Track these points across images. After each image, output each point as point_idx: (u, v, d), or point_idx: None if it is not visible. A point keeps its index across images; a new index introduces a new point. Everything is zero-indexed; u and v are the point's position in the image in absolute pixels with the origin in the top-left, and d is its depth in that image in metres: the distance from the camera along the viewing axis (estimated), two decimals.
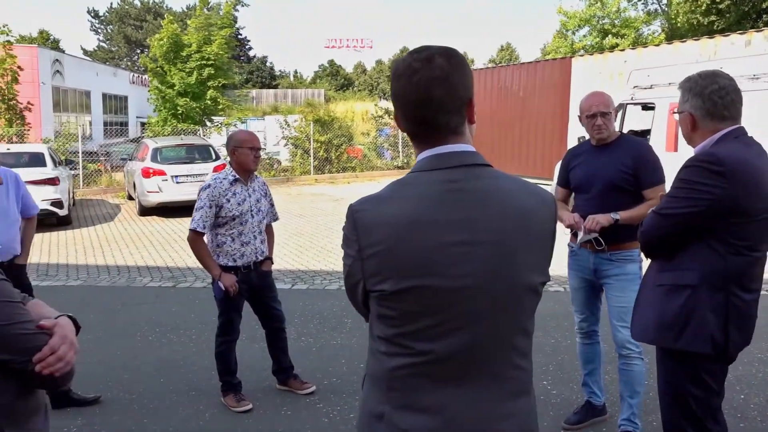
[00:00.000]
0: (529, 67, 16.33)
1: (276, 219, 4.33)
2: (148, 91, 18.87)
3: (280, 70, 59.26)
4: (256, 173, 4.16)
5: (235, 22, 49.67)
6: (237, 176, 3.97)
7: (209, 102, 18.25)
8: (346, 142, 19.64)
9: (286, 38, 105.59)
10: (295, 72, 60.93)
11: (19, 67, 16.31)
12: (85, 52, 47.21)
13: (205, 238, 4.02)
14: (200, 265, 4.19)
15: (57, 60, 28.15)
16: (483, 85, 17.55)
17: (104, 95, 33.00)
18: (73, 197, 13.74)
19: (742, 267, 2.25)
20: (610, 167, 3.36)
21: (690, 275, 2.28)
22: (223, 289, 3.92)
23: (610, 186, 3.34)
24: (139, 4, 45.72)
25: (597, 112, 3.38)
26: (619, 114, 9.63)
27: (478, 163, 1.44)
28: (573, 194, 3.67)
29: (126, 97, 35.65)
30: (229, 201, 3.91)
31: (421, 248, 1.37)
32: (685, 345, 2.28)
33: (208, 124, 18.78)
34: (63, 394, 4.15)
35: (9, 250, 3.91)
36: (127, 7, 45.89)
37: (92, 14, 48.01)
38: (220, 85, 18.43)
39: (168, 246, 9.75)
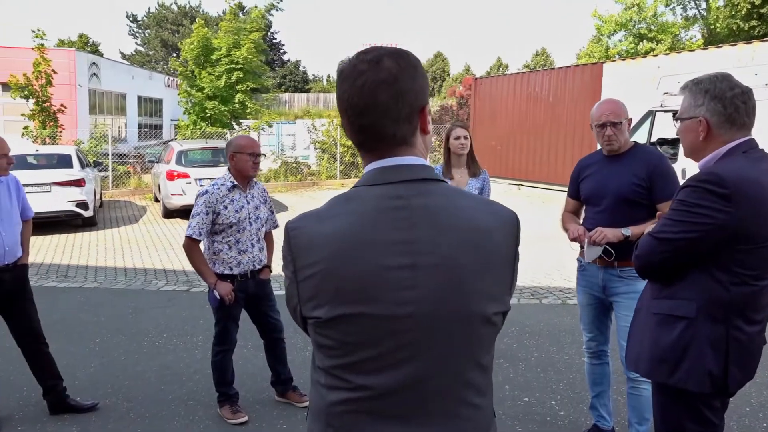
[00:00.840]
0: (559, 73, 16.00)
1: (276, 227, 4.22)
2: (178, 94, 19.06)
3: (313, 74, 59.67)
4: (255, 180, 4.05)
5: (270, 26, 50.71)
6: (235, 182, 3.87)
7: (237, 105, 18.36)
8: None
9: (321, 42, 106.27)
10: (329, 76, 61.20)
11: (53, 70, 16.60)
12: (124, 55, 48.17)
13: (202, 245, 3.93)
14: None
15: (94, 63, 28.71)
16: (512, 91, 17.29)
17: (139, 98, 33.55)
18: (101, 198, 13.92)
19: (746, 297, 2.02)
20: (622, 179, 3.16)
21: (687, 306, 2.06)
22: (219, 297, 3.82)
23: (621, 199, 3.14)
24: (176, 8, 46.49)
25: (607, 121, 3.18)
26: (648, 121, 9.31)
27: (428, 177, 1.30)
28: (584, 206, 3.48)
29: (161, 100, 36.21)
30: (226, 208, 3.82)
31: (359, 272, 1.23)
32: (680, 382, 2.06)
33: (237, 127, 18.88)
34: (60, 400, 4.11)
35: (15, 252, 3.95)
36: (164, 11, 46.72)
37: (131, 18, 49.07)
38: (248, 88, 18.52)
39: None
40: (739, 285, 2.00)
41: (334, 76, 64.09)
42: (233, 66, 17.92)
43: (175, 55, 37.60)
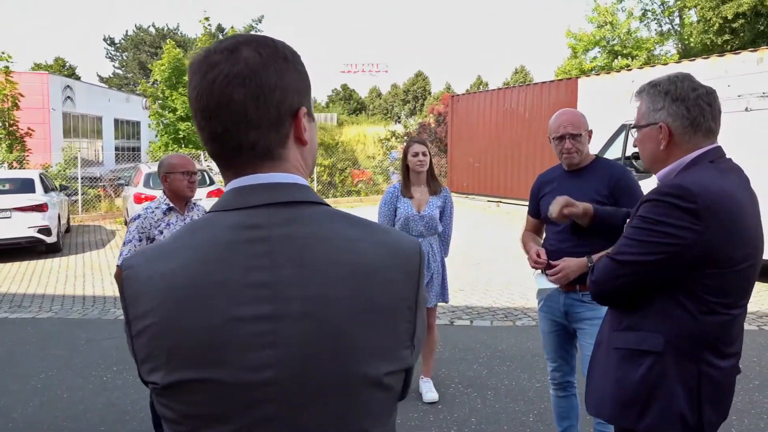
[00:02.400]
0: (534, 88, 15.92)
1: None
2: (149, 116, 18.74)
3: None
4: (195, 201, 3.77)
5: None
6: (171, 205, 3.58)
7: None
8: (350, 165, 19.32)
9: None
10: None
11: (20, 93, 16.24)
12: (101, 78, 47.70)
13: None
14: None
15: (68, 86, 28.30)
16: (489, 107, 17.19)
17: (116, 121, 33.14)
18: (68, 223, 13.51)
19: (718, 329, 1.75)
20: (583, 195, 2.90)
21: (653, 339, 1.77)
22: None
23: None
24: (153, 31, 46.21)
25: (565, 133, 2.95)
26: (622, 135, 9.16)
27: (300, 200, 1.02)
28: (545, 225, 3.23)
29: (138, 123, 35.76)
30: (162, 233, 3.51)
31: (201, 326, 0.94)
32: (650, 428, 1.77)
33: None
34: None
35: None
36: (142, 34, 46.42)
37: (108, 42, 48.61)
38: None
39: None
40: (708, 314, 1.73)
41: (315, 96, 64.08)
42: None
43: (144, 78, 37.45)
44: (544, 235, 3.23)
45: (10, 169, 15.30)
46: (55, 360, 5.56)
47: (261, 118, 1.00)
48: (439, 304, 4.80)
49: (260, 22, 47.88)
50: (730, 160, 1.86)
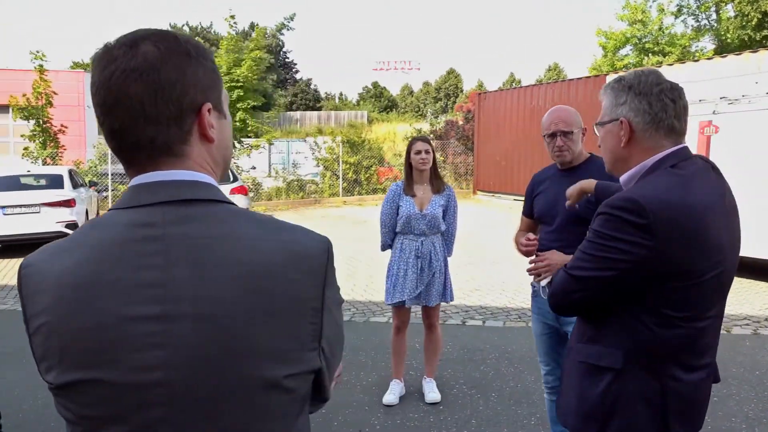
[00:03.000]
0: (562, 86, 15.68)
1: None
2: None
3: (326, 93, 59.79)
4: None
5: (282, 46, 51.00)
6: None
7: (239, 123, 18.25)
8: (376, 163, 19.31)
9: (333, 61, 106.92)
10: (341, 94, 61.40)
11: (53, 91, 16.61)
12: None
13: None
14: None
15: None
16: (516, 105, 16.99)
17: None
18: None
19: (681, 342, 1.66)
20: None
21: (612, 355, 1.69)
22: None
23: (574, 218, 2.81)
24: (188, 29, 46.89)
25: (557, 131, 2.88)
26: None
27: (197, 198, 1.00)
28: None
29: None
30: None
31: (92, 325, 0.93)
32: None
33: (238, 146, 18.76)
34: None
35: None
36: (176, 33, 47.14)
37: None
38: (249, 106, 18.42)
39: None
40: (669, 327, 1.64)
41: (346, 94, 64.52)
42: (234, 84, 17.84)
43: None
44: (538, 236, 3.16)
45: (44, 165, 15.70)
46: None
47: (159, 113, 0.98)
48: (450, 303, 4.77)
49: (292, 20, 48.53)
50: (696, 161, 1.74)
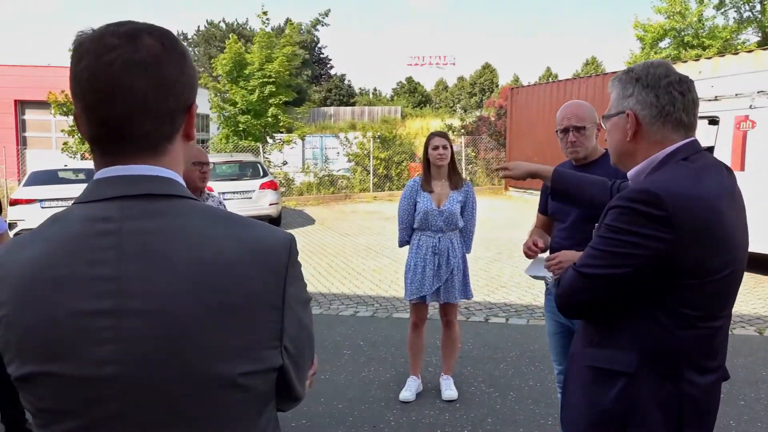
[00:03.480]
0: (596, 80, 15.39)
1: None
2: (210, 109, 19.29)
3: (360, 88, 59.90)
4: (210, 192, 3.82)
5: (318, 41, 51.22)
6: None
7: (270, 119, 18.40)
8: (407, 159, 19.25)
9: (368, 56, 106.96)
10: (375, 89, 61.40)
11: None
12: None
13: None
14: None
15: None
16: (549, 100, 16.74)
17: None
18: None
19: (698, 343, 1.60)
20: None
21: (625, 358, 1.62)
22: None
23: (587, 215, 2.74)
24: (224, 26, 47.45)
25: (569, 126, 2.82)
26: None
27: (158, 193, 0.99)
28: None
29: (207, 116, 36.87)
30: None
31: (46, 319, 0.93)
32: None
33: (270, 141, 18.94)
34: (21, 426, 3.94)
35: None
36: (212, 29, 47.79)
37: (182, 37, 50.28)
38: (281, 102, 18.56)
39: None
40: (686, 328, 1.58)
41: (380, 89, 64.53)
42: (266, 80, 17.99)
43: (202, 69, 38.60)
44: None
45: (82, 159, 16.09)
46: None
47: (159, 108, 0.98)
48: (471, 300, 4.73)
49: (327, 16, 48.60)
50: (706, 155, 1.69)
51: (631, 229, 1.54)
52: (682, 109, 1.66)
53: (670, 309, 1.57)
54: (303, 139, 19.48)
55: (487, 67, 57.77)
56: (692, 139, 1.70)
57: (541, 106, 16.87)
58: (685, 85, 1.68)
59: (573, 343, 1.89)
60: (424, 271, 4.31)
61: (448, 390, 4.39)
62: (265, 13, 18.62)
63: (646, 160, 1.69)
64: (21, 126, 27.04)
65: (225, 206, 3.98)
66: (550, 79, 50.89)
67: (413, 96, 55.01)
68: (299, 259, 1.05)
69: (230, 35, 19.58)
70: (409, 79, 56.41)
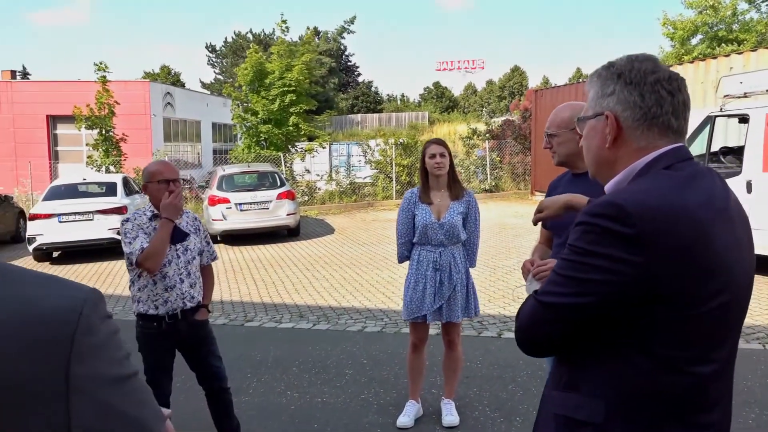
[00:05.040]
0: None
1: (214, 259, 3.76)
2: (231, 119, 19.29)
3: (388, 95, 59.80)
4: (184, 208, 3.62)
5: (345, 49, 51.28)
6: (155, 212, 3.45)
7: (291, 128, 18.32)
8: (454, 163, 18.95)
9: (395, 63, 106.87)
10: (402, 95, 61.24)
11: (116, 101, 17.14)
12: (203, 84, 50.02)
13: (129, 284, 3.54)
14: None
15: (168, 93, 29.80)
16: (571, 101, 16.29)
17: (214, 125, 34.54)
18: None
19: (683, 393, 1.31)
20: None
21: (591, 406, 1.34)
22: (139, 337, 3.41)
23: None
24: (251, 37, 47.85)
25: (545, 132, 2.59)
26: (707, 128, 8.24)
27: None
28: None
29: (233, 126, 37.21)
30: (148, 236, 3.38)
31: None
32: None
33: (291, 150, 18.86)
34: None
35: None
36: (240, 40, 48.20)
37: (210, 49, 50.95)
38: (302, 110, 18.46)
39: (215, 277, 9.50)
40: (667, 372, 1.29)
41: (408, 95, 64.41)
42: (286, 89, 17.92)
43: (213, 80, 38.87)
44: None
45: (107, 173, 16.22)
46: None
47: None
48: (488, 312, 4.44)
49: (352, 23, 48.63)
50: (695, 164, 1.40)
51: (595, 250, 1.27)
52: (671, 111, 1.39)
53: (646, 348, 1.29)
54: (323, 147, 19.33)
55: (516, 69, 57.14)
56: (678, 144, 1.42)
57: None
58: (675, 84, 1.40)
59: (545, 386, 1.61)
60: (425, 289, 4.04)
61: (449, 415, 4.10)
62: (284, 21, 18.58)
63: (625, 170, 1.41)
64: (53, 140, 27.62)
65: (200, 222, 3.76)
66: (580, 80, 50.03)
67: (441, 101, 54.70)
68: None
69: (251, 45, 19.58)
70: (437, 84, 56.12)
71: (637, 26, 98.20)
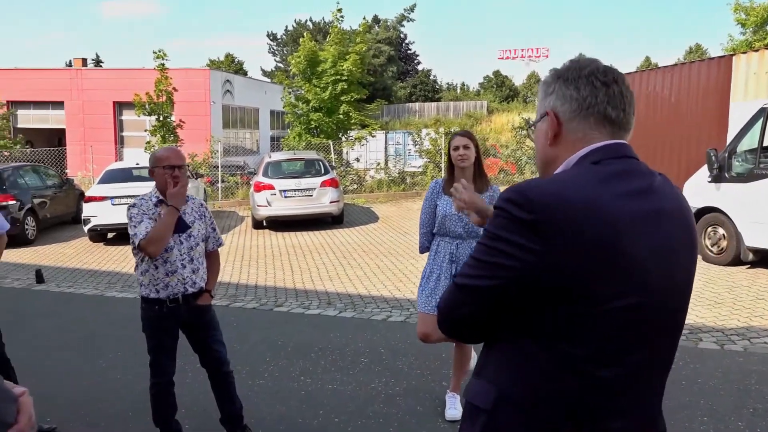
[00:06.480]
0: (682, 69, 14.23)
1: (220, 245, 3.82)
2: (283, 107, 19.56)
3: (447, 83, 59.30)
4: (190, 195, 3.69)
5: (405, 37, 51.09)
6: (161, 197, 3.54)
7: (342, 116, 18.43)
8: (482, 155, 18.71)
9: (455, 51, 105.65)
10: (462, 84, 60.59)
11: (174, 88, 17.65)
12: (264, 72, 51.00)
13: (134, 267, 3.64)
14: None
15: (228, 81, 30.52)
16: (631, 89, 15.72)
17: (272, 112, 35.16)
18: None
19: (586, 394, 1.26)
20: None
21: (486, 392, 1.34)
22: (144, 322, 3.53)
23: None
24: (311, 25, 48.33)
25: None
26: (759, 122, 7.79)
27: None
28: None
29: (286, 113, 37.72)
30: (153, 221, 3.48)
31: None
32: None
33: (342, 138, 18.97)
34: None
35: None
36: (300, 29, 48.75)
37: (271, 37, 51.81)
38: (353, 99, 18.53)
39: (253, 261, 9.72)
40: (569, 371, 1.25)
41: (468, 83, 63.62)
42: (338, 77, 18.02)
43: (274, 68, 39.17)
44: None
45: None
46: (128, 341, 5.84)
47: None
48: None
49: (412, 11, 48.40)
50: (631, 162, 1.36)
51: (501, 235, 1.27)
52: (607, 101, 1.37)
53: (543, 340, 1.27)
54: (373, 136, 19.35)
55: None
56: (617, 141, 1.38)
57: None
58: (611, 75, 1.39)
59: None
60: (438, 280, 3.99)
61: (452, 409, 4.05)
62: (339, 10, 18.66)
63: (561, 166, 1.39)
64: (119, 126, 28.78)
65: (207, 208, 3.83)
66: (650, 68, 48.11)
67: (501, 90, 53.78)
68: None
69: (304, 33, 19.78)
70: (497, 73, 55.19)
71: (707, 13, 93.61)
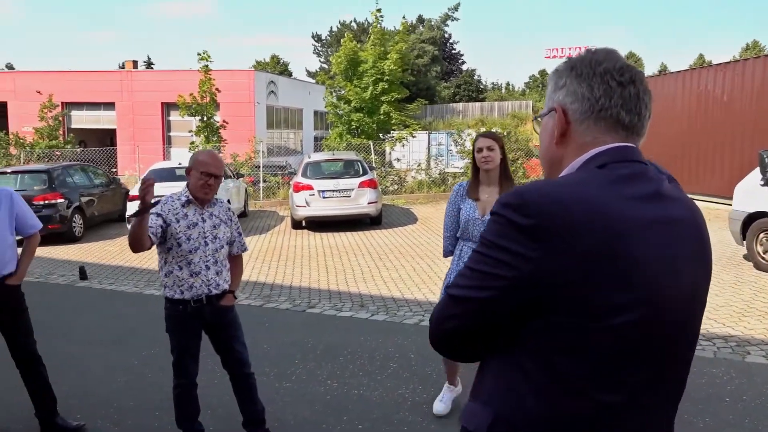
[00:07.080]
0: (735, 67, 13.69)
1: (244, 250, 3.81)
2: (325, 107, 19.63)
3: (492, 83, 58.72)
4: (219, 198, 3.70)
5: (449, 37, 50.78)
6: (190, 198, 3.54)
7: (383, 117, 18.38)
8: (523, 156, 18.38)
9: (500, 51, 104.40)
10: (507, 84, 59.93)
11: (217, 89, 17.94)
12: (309, 73, 51.38)
13: (158, 268, 3.65)
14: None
15: (272, 81, 30.86)
16: (681, 91, 15.19)
17: (316, 112, 35.42)
18: (244, 208, 14.63)
19: (584, 421, 1.16)
20: None
21: (482, 415, 1.24)
22: (167, 322, 3.54)
23: None
24: (355, 26, 48.50)
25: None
26: None
27: None
28: None
29: (328, 113, 37.94)
30: (178, 221, 3.47)
31: None
32: None
33: (382, 138, 18.92)
34: (51, 420, 4.05)
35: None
36: (344, 29, 49.01)
37: (315, 38, 52.21)
38: (393, 99, 18.47)
39: (289, 262, 9.74)
40: (568, 394, 1.15)
41: (513, 83, 62.85)
42: (379, 77, 17.98)
43: (316, 69, 39.27)
44: None
45: None
46: (162, 339, 5.90)
47: None
48: None
49: (456, 10, 48.06)
50: (637, 167, 1.24)
51: (498, 242, 1.17)
52: (621, 104, 1.26)
53: (541, 359, 1.16)
54: (413, 137, 19.23)
55: (631, 56, 54.23)
56: (625, 144, 1.26)
57: (671, 98, 15.33)
58: (628, 75, 1.27)
59: None
60: None
61: (439, 402, 4.23)
62: (379, 10, 18.64)
63: (566, 169, 1.28)
64: (167, 126, 29.46)
65: (233, 213, 3.81)
66: (694, 67, 46.59)
67: (546, 89, 52.94)
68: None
69: (345, 34, 19.82)
70: (542, 72, 54.30)
71: (766, 8, 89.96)
